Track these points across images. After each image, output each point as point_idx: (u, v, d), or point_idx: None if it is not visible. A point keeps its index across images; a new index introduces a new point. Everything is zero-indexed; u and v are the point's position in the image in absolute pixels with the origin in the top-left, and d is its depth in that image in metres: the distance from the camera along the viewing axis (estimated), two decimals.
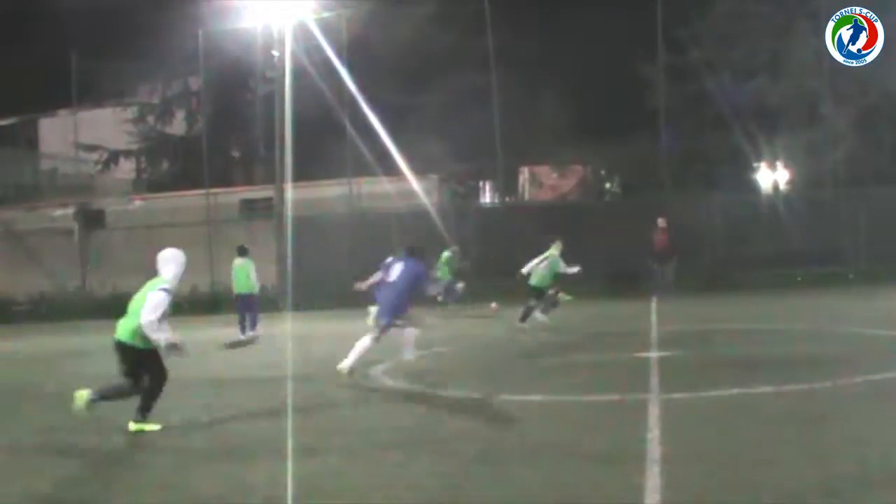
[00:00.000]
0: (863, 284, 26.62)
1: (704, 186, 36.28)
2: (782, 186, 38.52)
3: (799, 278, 28.64)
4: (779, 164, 38.88)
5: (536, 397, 11.15)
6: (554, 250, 19.60)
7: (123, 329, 10.09)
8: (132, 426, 10.07)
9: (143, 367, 10.12)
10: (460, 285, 25.85)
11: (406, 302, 13.87)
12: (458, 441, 9.00)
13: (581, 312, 22.19)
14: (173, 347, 10.01)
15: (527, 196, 43.36)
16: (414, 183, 33.25)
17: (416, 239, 16.12)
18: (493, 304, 24.94)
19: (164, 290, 10.07)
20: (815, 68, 34.27)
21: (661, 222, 28.00)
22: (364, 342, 13.55)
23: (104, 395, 10.17)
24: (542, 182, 44.15)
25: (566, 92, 36.10)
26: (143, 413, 10.13)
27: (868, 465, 7.32)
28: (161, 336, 9.87)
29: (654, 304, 23.49)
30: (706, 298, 25.42)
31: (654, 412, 9.76)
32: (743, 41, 36.57)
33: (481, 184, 45.02)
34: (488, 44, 34.35)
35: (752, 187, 39.42)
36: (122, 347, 10.10)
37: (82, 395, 10.05)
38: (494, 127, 34.05)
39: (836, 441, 8.20)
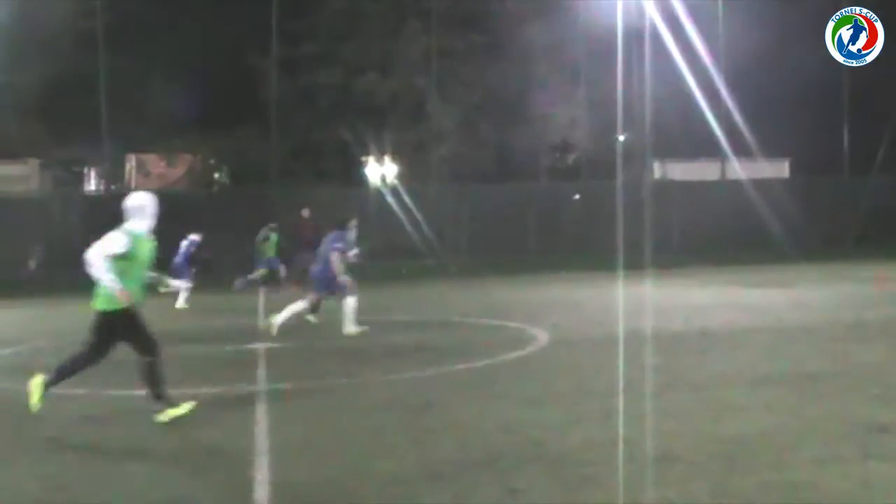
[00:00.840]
0: (463, 276, 27.94)
1: (313, 178, 36.73)
2: (389, 180, 39.74)
3: (404, 270, 29.56)
4: (386, 159, 40.07)
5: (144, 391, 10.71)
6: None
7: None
8: (161, 417, 8.86)
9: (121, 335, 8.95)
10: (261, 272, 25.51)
11: (333, 273, 15.08)
12: (61, 440, 8.48)
13: (189, 303, 21.70)
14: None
15: (133, 185, 41.99)
16: (10, 168, 31.25)
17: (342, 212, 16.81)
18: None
19: (125, 231, 8.85)
20: (422, 67, 35.63)
21: (305, 213, 27.44)
22: (298, 305, 15.42)
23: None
24: (149, 171, 42.93)
25: (176, 79, 35.25)
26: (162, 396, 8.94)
27: (468, 447, 7.64)
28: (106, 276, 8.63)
29: (262, 296, 23.34)
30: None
31: (262, 404, 9.68)
32: (355, 37, 37.36)
33: (86, 170, 43.14)
34: (96, 24, 32.94)
35: (361, 181, 40.38)
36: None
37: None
38: (100, 111, 32.69)
39: (440, 426, 8.47)
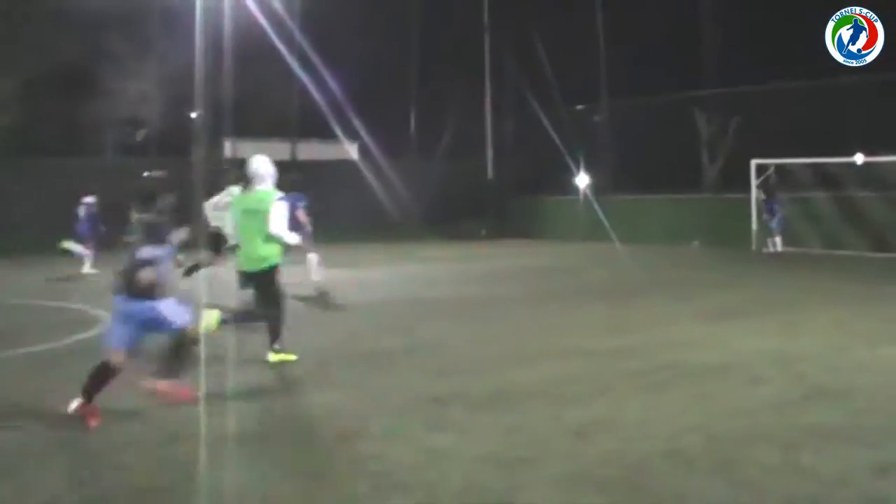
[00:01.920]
0: (23, 255, 26.27)
1: None
2: None
3: None
4: None
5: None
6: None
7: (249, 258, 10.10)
8: (271, 357, 10.12)
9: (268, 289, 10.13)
10: None
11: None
12: None
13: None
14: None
15: None
16: None
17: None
18: None
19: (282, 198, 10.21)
20: None
21: None
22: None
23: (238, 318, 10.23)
24: None
25: None
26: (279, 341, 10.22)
27: (28, 437, 7.20)
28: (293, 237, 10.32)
29: None
30: None
31: None
32: None
33: None
34: None
35: None
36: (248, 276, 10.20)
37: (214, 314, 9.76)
38: None
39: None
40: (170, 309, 7.76)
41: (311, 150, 36.37)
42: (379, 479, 6.13)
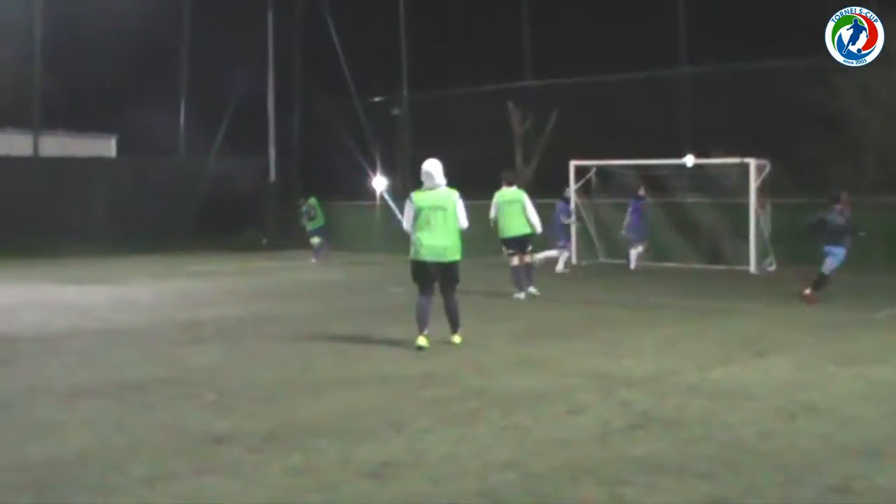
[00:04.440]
0: None
1: None
2: None
3: None
4: None
5: None
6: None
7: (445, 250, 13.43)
8: (457, 339, 13.33)
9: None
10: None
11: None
12: None
13: None
14: None
15: None
16: None
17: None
18: None
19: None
20: None
21: None
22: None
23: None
24: None
25: None
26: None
27: None
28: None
29: None
30: None
31: None
32: None
33: None
34: None
35: None
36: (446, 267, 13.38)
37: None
38: None
39: None
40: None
41: (57, 145, 35.21)
42: None
